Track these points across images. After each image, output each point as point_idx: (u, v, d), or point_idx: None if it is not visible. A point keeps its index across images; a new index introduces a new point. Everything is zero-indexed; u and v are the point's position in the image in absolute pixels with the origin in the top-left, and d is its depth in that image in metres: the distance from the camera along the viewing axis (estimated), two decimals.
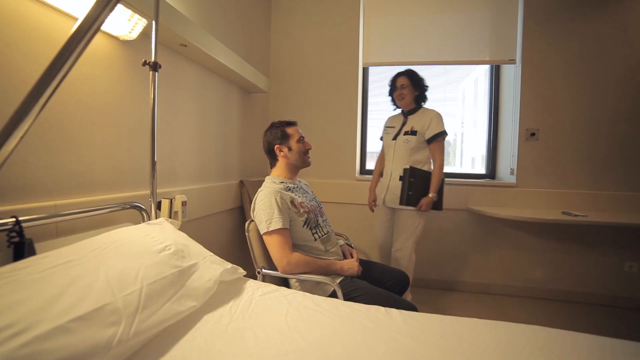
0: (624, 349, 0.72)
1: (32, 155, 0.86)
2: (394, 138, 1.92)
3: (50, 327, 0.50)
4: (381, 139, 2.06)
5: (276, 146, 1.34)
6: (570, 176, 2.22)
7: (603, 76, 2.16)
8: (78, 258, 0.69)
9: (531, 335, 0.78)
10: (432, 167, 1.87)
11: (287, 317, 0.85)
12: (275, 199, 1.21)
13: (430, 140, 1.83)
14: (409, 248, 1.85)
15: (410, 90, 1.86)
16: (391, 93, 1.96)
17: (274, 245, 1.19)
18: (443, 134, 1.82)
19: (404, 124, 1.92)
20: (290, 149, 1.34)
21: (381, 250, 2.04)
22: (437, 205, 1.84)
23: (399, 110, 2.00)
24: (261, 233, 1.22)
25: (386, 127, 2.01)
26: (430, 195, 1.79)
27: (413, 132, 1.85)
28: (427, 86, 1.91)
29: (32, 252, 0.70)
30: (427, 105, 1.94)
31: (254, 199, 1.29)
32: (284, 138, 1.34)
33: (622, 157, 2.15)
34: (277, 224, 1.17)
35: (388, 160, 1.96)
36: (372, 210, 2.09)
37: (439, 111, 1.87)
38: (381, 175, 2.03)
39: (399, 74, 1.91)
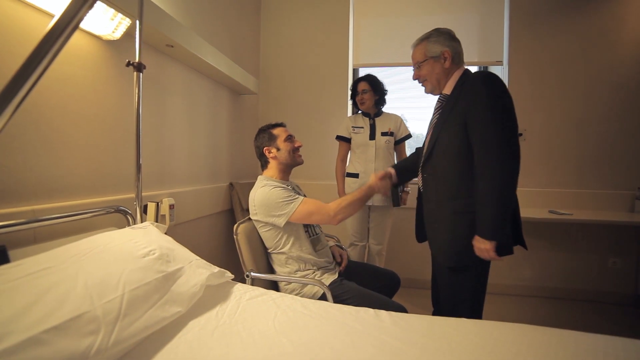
0: (606, 344, 0.74)
1: (7, 157, 0.82)
2: (372, 137, 1.95)
3: (21, 339, 0.47)
4: (340, 138, 2.05)
5: (265, 148, 1.34)
6: (556, 175, 2.26)
7: (588, 77, 2.21)
8: (55, 265, 0.66)
9: (518, 334, 0.79)
10: None
11: (275, 321, 0.84)
12: (278, 186, 1.23)
13: (400, 141, 2.01)
14: (386, 243, 2.02)
15: (370, 95, 1.94)
16: (353, 97, 2.03)
17: (306, 213, 1.19)
18: (409, 136, 2.02)
19: (372, 125, 1.97)
20: (278, 149, 1.33)
21: (354, 250, 2.02)
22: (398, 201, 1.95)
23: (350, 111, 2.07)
24: (282, 223, 1.19)
25: (355, 127, 2.01)
26: (407, 190, 1.92)
27: (391, 133, 1.96)
28: (386, 90, 2.01)
29: (5, 260, 0.66)
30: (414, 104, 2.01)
31: (251, 198, 1.27)
32: (271, 139, 1.34)
33: (606, 157, 2.20)
34: (296, 202, 1.19)
35: (365, 159, 1.96)
36: None
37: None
38: (350, 175, 2.01)
39: (359, 79, 1.97)
